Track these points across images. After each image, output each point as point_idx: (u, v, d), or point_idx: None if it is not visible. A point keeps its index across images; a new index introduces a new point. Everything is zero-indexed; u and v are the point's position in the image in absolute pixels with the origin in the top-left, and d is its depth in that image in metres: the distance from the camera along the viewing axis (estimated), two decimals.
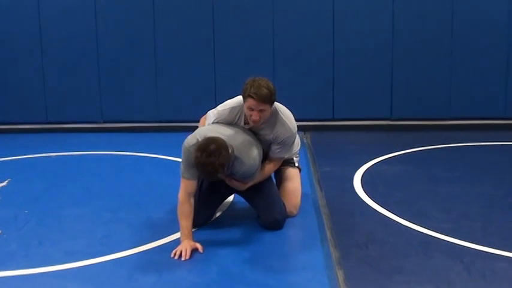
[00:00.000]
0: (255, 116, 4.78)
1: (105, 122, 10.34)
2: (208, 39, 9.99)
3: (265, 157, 5.14)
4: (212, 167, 4.38)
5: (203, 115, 5.53)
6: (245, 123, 5.02)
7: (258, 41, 9.94)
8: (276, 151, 5.13)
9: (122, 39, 10.09)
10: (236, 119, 5.06)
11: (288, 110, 5.16)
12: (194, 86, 10.09)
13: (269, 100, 4.77)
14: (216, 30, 9.97)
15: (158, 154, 8.13)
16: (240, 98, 4.97)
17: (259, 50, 9.94)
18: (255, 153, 4.83)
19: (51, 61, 10.22)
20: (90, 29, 10.08)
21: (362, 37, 9.85)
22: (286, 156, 5.38)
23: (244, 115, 4.98)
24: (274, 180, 5.43)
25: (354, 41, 9.87)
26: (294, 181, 5.51)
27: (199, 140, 4.66)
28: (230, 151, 4.54)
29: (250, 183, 4.96)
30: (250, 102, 4.74)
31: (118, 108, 10.27)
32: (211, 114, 5.23)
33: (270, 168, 5.19)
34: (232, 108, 5.06)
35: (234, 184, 4.94)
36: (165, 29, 10.02)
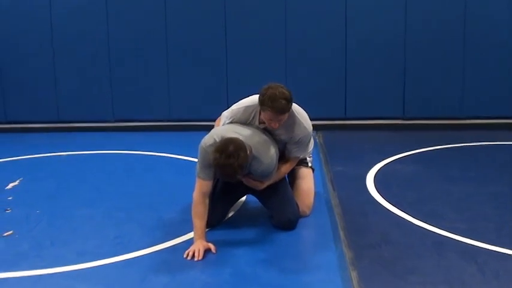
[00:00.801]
0: (274, 124, 4.83)
1: (116, 121, 10.35)
2: (220, 38, 9.99)
3: (281, 157, 5.14)
4: (231, 169, 4.39)
5: (218, 117, 5.54)
6: (260, 123, 5.03)
7: (270, 40, 9.94)
8: (292, 150, 5.15)
9: (133, 37, 10.09)
10: (251, 118, 5.07)
11: (303, 110, 5.17)
12: (206, 85, 10.09)
13: (287, 110, 4.79)
14: (228, 28, 9.96)
15: (170, 153, 8.13)
16: (254, 97, 4.98)
17: (271, 48, 9.93)
18: (272, 151, 4.85)
19: (62, 60, 10.23)
20: (102, 27, 10.08)
21: (374, 36, 9.83)
22: (302, 156, 5.38)
23: (259, 114, 4.99)
24: (287, 180, 5.42)
25: (366, 39, 9.84)
26: (307, 181, 5.51)
27: (217, 140, 4.67)
28: (248, 151, 4.56)
29: (267, 183, 4.98)
30: (269, 115, 4.77)
31: (130, 107, 10.27)
32: (226, 114, 5.25)
33: (286, 167, 5.21)
34: (247, 107, 5.07)
35: (252, 183, 4.96)
36: (177, 27, 10.01)
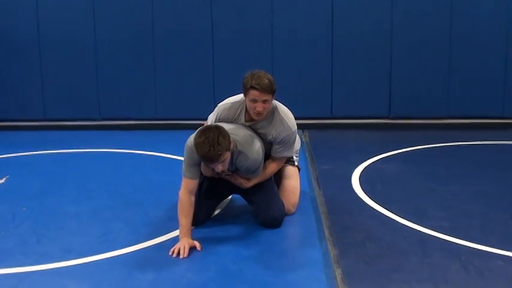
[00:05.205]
0: (259, 107, 4.83)
1: (103, 119, 10.34)
2: (207, 37, 9.99)
3: (267, 158, 5.13)
4: (210, 145, 4.38)
5: (205, 117, 5.54)
6: (246, 121, 5.04)
7: (257, 39, 9.95)
8: (278, 150, 5.14)
9: (120, 36, 10.08)
10: (237, 114, 5.08)
11: (287, 109, 5.18)
12: (193, 83, 10.09)
13: (271, 90, 4.83)
14: (214, 27, 9.97)
15: (156, 152, 8.13)
16: (240, 95, 5.01)
17: (257, 47, 9.94)
18: (258, 146, 4.86)
19: (48, 58, 10.22)
20: (88, 25, 10.07)
21: (361, 35, 9.86)
22: (288, 155, 5.38)
23: (245, 111, 5.02)
24: (273, 179, 5.42)
25: (353, 38, 9.87)
26: (293, 179, 5.51)
27: None
28: (233, 145, 4.59)
29: (254, 181, 4.99)
30: (254, 93, 4.78)
31: (116, 106, 10.26)
32: (212, 114, 5.27)
33: (273, 167, 5.19)
34: (233, 104, 5.10)
35: (239, 181, 4.98)
36: (164, 26, 10.01)
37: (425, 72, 9.88)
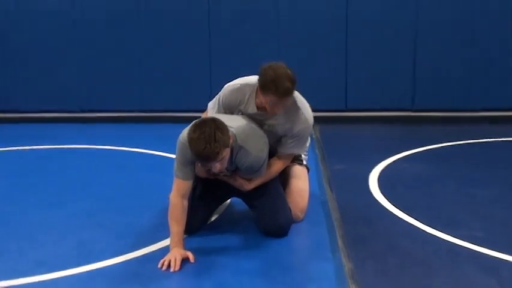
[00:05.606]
0: (277, 109, 4.81)
1: (82, 111, 10.31)
2: (203, 18, 9.98)
3: (272, 155, 5.09)
4: (206, 142, 4.30)
5: (200, 111, 5.51)
6: (257, 107, 4.99)
7: (261, 20, 9.93)
8: (289, 145, 5.11)
9: (100, 14, 10.06)
10: (246, 98, 5.04)
11: (304, 99, 5.15)
12: (186, 70, 10.08)
13: (291, 93, 4.79)
14: (211, 8, 9.91)
15: (143, 148, 8.13)
16: (253, 77, 4.98)
17: (261, 30, 9.93)
18: (262, 142, 4.83)
19: (24, 45, 10.20)
20: (69, 8, 10.03)
21: (380, 16, 9.82)
22: (298, 152, 5.36)
23: (255, 97, 4.97)
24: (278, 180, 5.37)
25: (370, 20, 9.85)
26: (301, 180, 5.48)
27: None
28: (232, 140, 4.54)
29: (256, 182, 4.97)
30: (272, 98, 4.73)
31: (97, 96, 10.24)
32: (213, 100, 5.27)
33: (278, 166, 5.16)
34: (244, 86, 5.07)
35: (239, 183, 4.94)
36: (152, 3, 9.97)
37: (456, 58, 9.83)
